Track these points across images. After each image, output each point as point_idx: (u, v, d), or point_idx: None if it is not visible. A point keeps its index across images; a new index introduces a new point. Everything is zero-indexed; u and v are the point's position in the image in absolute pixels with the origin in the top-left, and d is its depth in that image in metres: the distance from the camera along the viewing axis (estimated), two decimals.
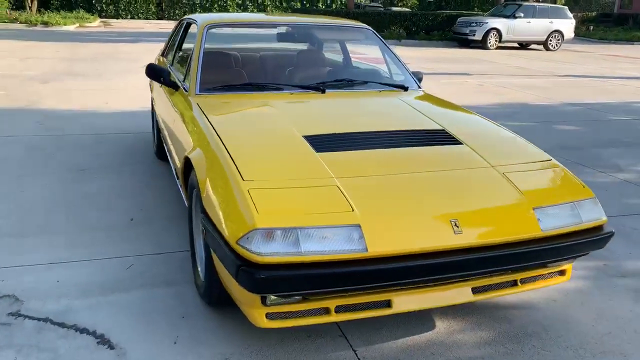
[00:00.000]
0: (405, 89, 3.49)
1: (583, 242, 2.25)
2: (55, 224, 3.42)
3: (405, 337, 2.41)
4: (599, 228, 2.34)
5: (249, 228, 1.90)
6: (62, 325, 2.40)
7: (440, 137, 2.67)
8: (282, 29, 3.95)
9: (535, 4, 21.30)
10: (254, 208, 1.96)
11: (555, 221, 2.23)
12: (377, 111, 3.11)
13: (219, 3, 30.86)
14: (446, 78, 11.25)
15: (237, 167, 2.19)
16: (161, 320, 2.46)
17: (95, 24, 23.73)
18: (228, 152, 2.32)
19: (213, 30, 3.50)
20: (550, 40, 19.67)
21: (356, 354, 2.29)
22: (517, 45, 20.62)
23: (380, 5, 29.47)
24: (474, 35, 19.22)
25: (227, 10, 30.88)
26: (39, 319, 2.44)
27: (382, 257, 1.95)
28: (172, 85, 3.41)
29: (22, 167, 4.46)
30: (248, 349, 2.28)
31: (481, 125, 3.01)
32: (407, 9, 30.76)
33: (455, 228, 2.05)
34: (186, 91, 3.19)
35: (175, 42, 4.38)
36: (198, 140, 2.59)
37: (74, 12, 25.01)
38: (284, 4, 31.07)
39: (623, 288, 2.91)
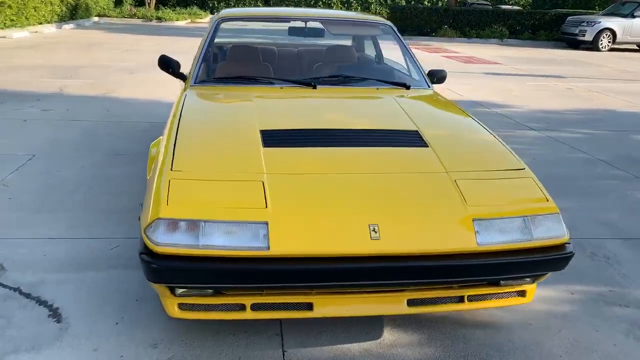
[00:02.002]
0: (408, 87, 3.33)
1: (530, 261, 2.03)
2: (69, 203, 3.66)
3: (342, 344, 2.31)
4: (556, 247, 2.09)
5: (153, 217, 1.92)
6: (27, 295, 2.58)
7: (409, 139, 2.52)
8: (295, 24, 3.93)
9: None
10: (166, 198, 1.98)
11: (497, 236, 2.03)
12: (357, 109, 3.00)
13: (323, 0, 31.25)
14: (533, 80, 10.59)
15: (173, 157, 2.22)
16: (115, 301, 2.56)
17: (206, 19, 25.00)
18: (176, 142, 2.36)
19: (225, 23, 3.56)
20: None
21: (284, 355, 2.24)
22: (637, 48, 18.87)
23: (488, 2, 28.23)
24: (583, 35, 17.85)
25: (329, 7, 31.22)
26: (10, 288, 2.63)
27: (283, 257, 1.89)
28: (180, 77, 3.51)
29: (71, 149, 4.83)
30: (179, 338, 2.30)
31: (463, 129, 2.81)
32: (517, 7, 29.26)
33: (373, 234, 1.94)
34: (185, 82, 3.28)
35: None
36: (166, 130, 2.66)
37: (188, 8, 26.52)
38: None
39: (618, 319, 2.59)
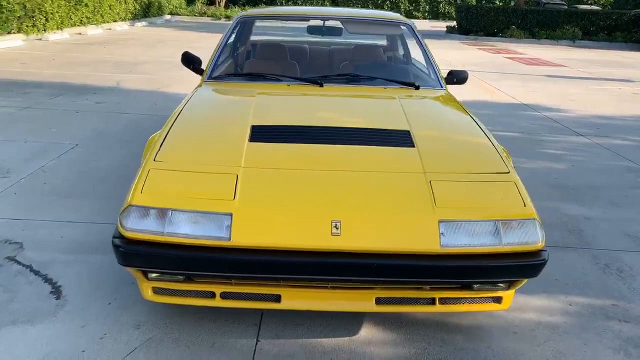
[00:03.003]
0: (417, 87, 3.30)
1: (498, 266, 1.99)
2: (98, 190, 3.89)
3: (317, 338, 2.35)
4: (529, 254, 2.03)
5: (127, 204, 2.04)
6: (36, 273, 2.78)
7: (398, 139, 2.51)
8: (314, 22, 3.96)
9: None
10: (141, 187, 2.09)
11: (464, 239, 2.00)
12: (355, 108, 3.01)
13: None
14: (596, 84, 10.11)
15: (159, 149, 2.33)
16: (112, 283, 2.71)
17: None
18: (167, 134, 2.47)
19: (245, 21, 3.66)
20: None
21: (256, 345, 2.30)
22: None
23: (564, 2, 27.05)
24: None
25: (397, 6, 30.96)
26: (23, 265, 2.85)
27: (243, 249, 1.95)
28: (201, 73, 3.65)
29: (111, 140, 5.11)
30: (161, 322, 2.41)
31: (457, 130, 2.77)
32: (596, 7, 27.88)
33: (334, 230, 1.96)
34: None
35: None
36: (166, 123, 2.78)
37: (257, 6, 27.10)
38: None
39: (613, 334, 2.47)
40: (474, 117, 2.89)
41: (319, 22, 3.99)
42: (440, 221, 2.01)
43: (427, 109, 3.08)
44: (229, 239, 1.95)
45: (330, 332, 2.40)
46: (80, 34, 15.25)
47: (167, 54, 11.78)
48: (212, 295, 2.15)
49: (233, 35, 3.55)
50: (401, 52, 4.30)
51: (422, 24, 28.14)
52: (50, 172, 4.22)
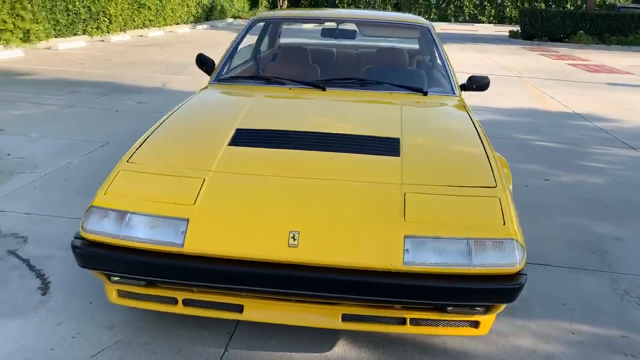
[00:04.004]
0: (425, 93, 3.13)
1: (466, 288, 1.83)
2: None
3: (287, 352, 2.26)
4: (503, 277, 1.86)
5: (89, 205, 2.02)
6: (31, 268, 2.84)
7: (385, 147, 2.38)
8: (330, 25, 3.86)
9: None
10: (106, 188, 2.07)
11: (431, 257, 1.85)
12: (351, 113, 2.88)
13: (455, 3, 30.42)
14: None
15: (136, 150, 2.31)
16: (98, 282, 2.69)
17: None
18: (150, 135, 2.45)
19: (259, 24, 3.62)
20: None
21: (223, 355, 2.23)
22: None
23: None
24: None
25: (462, 11, 30.29)
26: (21, 259, 2.91)
27: (196, 256, 1.89)
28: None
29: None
30: (135, 324, 2.39)
31: (452, 140, 2.59)
32: None
33: (291, 241, 1.86)
34: None
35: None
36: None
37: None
38: None
39: None
40: (476, 126, 2.70)
41: (333, 25, 3.89)
42: (406, 236, 1.87)
43: (428, 116, 2.92)
44: (182, 245, 1.89)
45: (303, 346, 2.30)
46: (141, 36, 15.81)
47: (219, 56, 11.98)
48: (174, 301, 2.10)
49: (244, 38, 3.52)
50: (428, 55, 4.13)
51: (486, 28, 27.39)
52: (74, 169, 4.34)
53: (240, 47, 3.64)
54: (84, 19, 13.26)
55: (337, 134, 2.50)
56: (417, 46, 4.66)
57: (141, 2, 15.88)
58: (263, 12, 3.73)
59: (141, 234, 1.94)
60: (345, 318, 2.03)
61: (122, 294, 2.15)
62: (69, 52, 11.54)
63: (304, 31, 8.08)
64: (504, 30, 24.88)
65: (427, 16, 30.81)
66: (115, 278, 2.08)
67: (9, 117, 5.87)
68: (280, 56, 4.16)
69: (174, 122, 2.63)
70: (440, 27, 26.52)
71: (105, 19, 14.04)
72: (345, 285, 1.85)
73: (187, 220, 1.93)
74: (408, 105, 2.93)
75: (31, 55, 10.74)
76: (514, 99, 8.34)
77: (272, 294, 1.94)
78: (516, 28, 21.81)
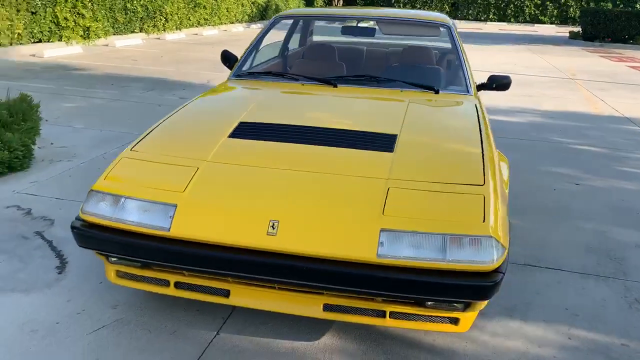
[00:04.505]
0: (437, 91, 3.12)
1: (439, 283, 1.84)
2: None
3: (276, 339, 2.32)
4: (478, 274, 1.85)
5: (90, 189, 2.16)
6: (53, 248, 3.03)
7: (381, 143, 2.41)
8: (350, 22, 3.89)
9: None
10: (107, 173, 2.20)
11: (405, 250, 1.87)
12: (355, 109, 2.91)
13: (515, 3, 29.60)
14: None
15: (141, 139, 2.43)
16: None
17: None
18: (157, 126, 2.58)
19: (284, 21, 3.70)
20: None
21: (213, 338, 2.32)
22: None
23: None
24: None
25: (522, 11, 29.47)
26: (46, 240, 3.11)
27: (181, 240, 1.98)
28: None
29: None
30: (137, 305, 2.52)
31: (450, 139, 2.57)
32: None
33: (271, 229, 1.93)
34: None
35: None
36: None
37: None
38: None
39: None
40: (481, 125, 2.67)
41: (354, 24, 3.92)
42: (382, 230, 1.90)
43: (432, 114, 2.91)
44: (169, 229, 1.99)
45: (292, 334, 2.36)
46: (196, 34, 16.28)
47: None
48: (166, 283, 2.21)
49: (266, 34, 3.61)
50: (449, 54, 4.09)
51: (547, 29, 26.51)
52: (109, 158, 4.55)
53: (263, 44, 3.73)
54: (141, 18, 13.79)
55: (335, 129, 2.55)
56: (448, 45, 4.63)
57: (197, 1, 16.35)
58: (290, 9, 3.80)
59: (133, 217, 2.05)
60: (327, 308, 2.08)
61: (120, 274, 2.28)
62: (125, 50, 12.04)
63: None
64: (565, 31, 24.01)
65: (485, 16, 30.11)
66: (113, 259, 2.20)
67: (59, 108, 6.22)
68: (308, 54, 4.23)
69: (182, 114, 2.75)
70: (497, 28, 25.89)
71: (161, 17, 14.55)
72: (322, 275, 1.89)
73: (175, 205, 2.03)
74: (416, 103, 2.94)
75: (89, 51, 11.29)
76: (563, 102, 8.09)
77: (253, 279, 2.01)
78: (577, 29, 21.03)
